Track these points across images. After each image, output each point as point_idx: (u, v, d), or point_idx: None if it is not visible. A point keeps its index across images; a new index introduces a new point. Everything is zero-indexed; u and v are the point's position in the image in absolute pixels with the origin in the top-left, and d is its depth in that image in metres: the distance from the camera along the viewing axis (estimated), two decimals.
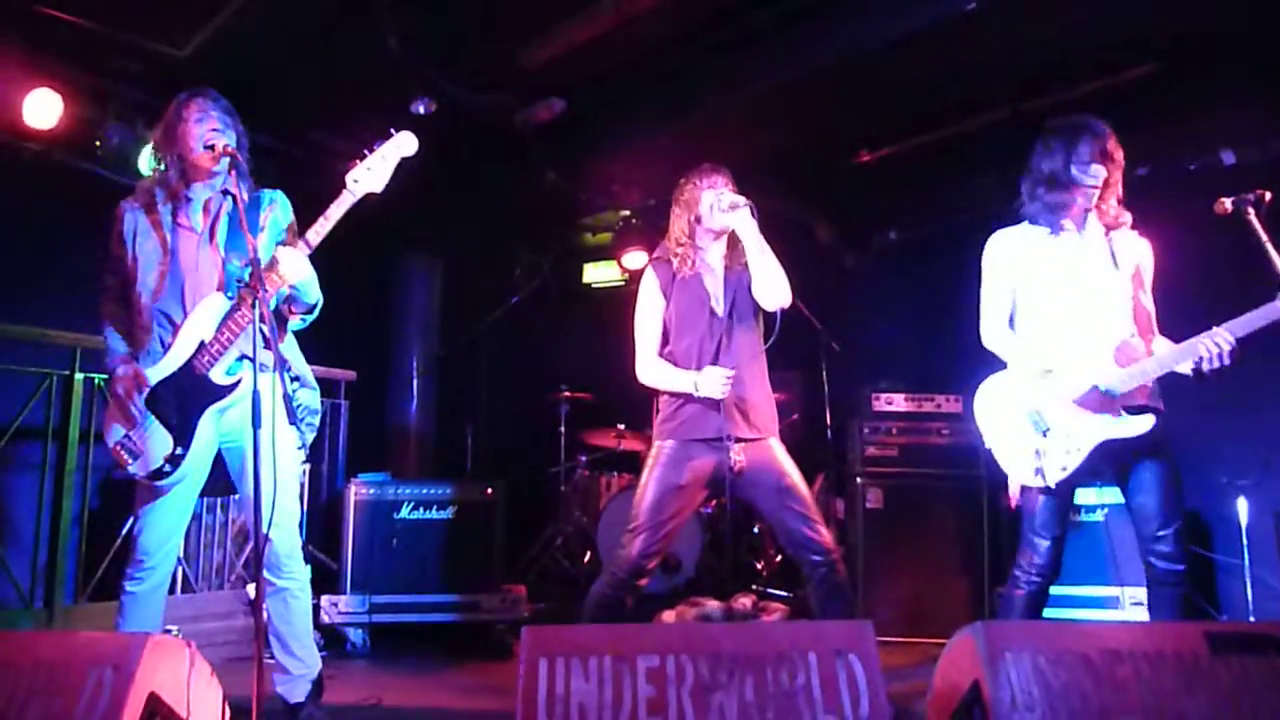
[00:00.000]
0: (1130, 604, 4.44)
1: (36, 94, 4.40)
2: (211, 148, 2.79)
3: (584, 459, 6.39)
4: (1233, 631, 2.23)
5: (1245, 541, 4.30)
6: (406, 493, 4.73)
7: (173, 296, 2.86)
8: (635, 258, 6.82)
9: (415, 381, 6.73)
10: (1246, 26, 4.33)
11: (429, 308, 6.89)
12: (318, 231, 2.82)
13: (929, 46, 4.58)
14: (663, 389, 3.35)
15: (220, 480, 3.04)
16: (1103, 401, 2.91)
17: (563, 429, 6.49)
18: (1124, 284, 3.00)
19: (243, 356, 2.84)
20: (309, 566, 3.07)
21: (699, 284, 3.34)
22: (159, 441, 2.82)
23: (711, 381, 3.19)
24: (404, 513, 4.69)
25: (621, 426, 6.22)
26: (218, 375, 2.82)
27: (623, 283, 7.24)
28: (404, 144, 2.94)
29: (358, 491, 4.68)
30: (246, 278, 2.78)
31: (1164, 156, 4.97)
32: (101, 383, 4.54)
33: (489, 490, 4.83)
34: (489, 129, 5.70)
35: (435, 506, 4.72)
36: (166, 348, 2.85)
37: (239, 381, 2.83)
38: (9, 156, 4.49)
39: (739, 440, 3.22)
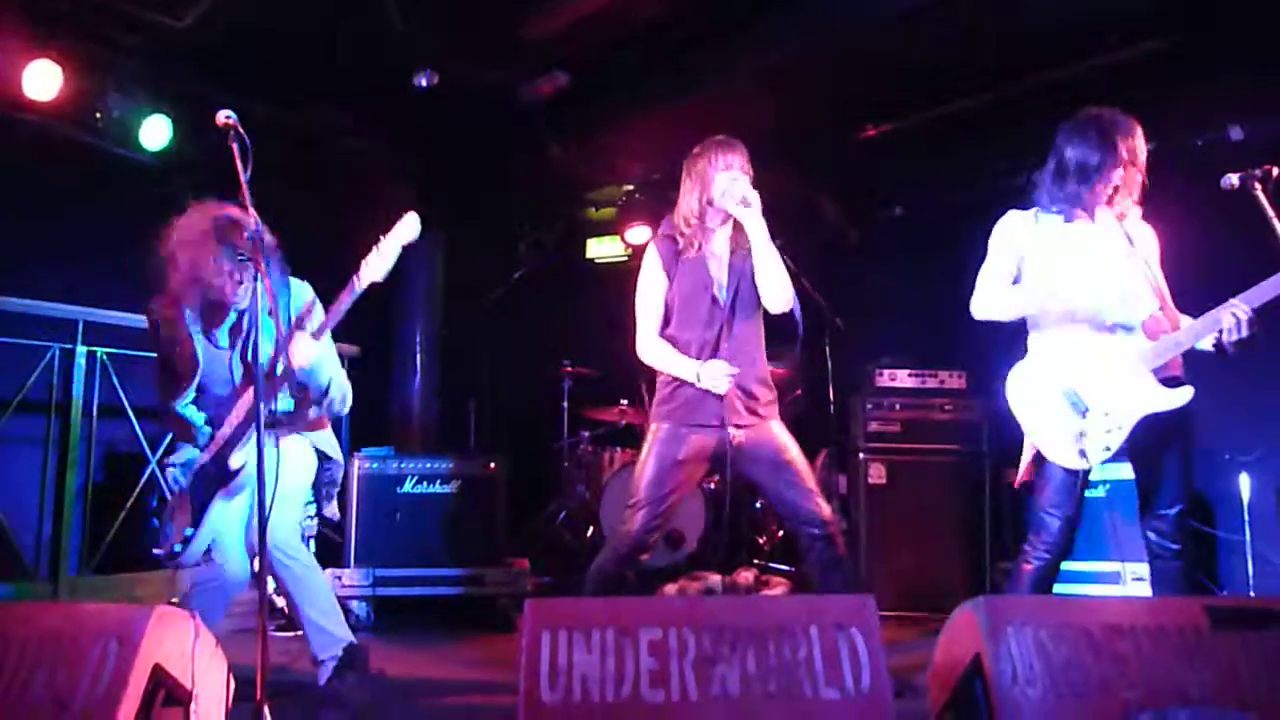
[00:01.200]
0: (1132, 579, 4.45)
1: (36, 65, 4.37)
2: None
3: (587, 434, 6.39)
4: (1233, 606, 2.24)
5: (1247, 518, 4.30)
6: (410, 467, 4.74)
7: (215, 396, 3.05)
8: (639, 233, 6.80)
9: (419, 356, 6.72)
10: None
11: (432, 283, 6.87)
12: (329, 322, 2.96)
13: (934, 20, 4.53)
14: (662, 371, 3.32)
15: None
16: (1138, 375, 2.89)
17: (566, 404, 6.49)
18: (1140, 263, 2.98)
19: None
20: (313, 540, 3.11)
21: (703, 268, 3.27)
22: (184, 520, 3.00)
23: (714, 376, 3.15)
24: (407, 487, 4.70)
25: (625, 402, 6.22)
26: (233, 460, 2.97)
27: (626, 258, 7.21)
28: (407, 229, 3.05)
29: (361, 466, 4.69)
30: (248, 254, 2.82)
31: (1171, 132, 4.93)
32: (104, 356, 4.55)
33: (492, 465, 4.83)
34: (492, 103, 5.66)
35: (438, 481, 4.74)
36: (209, 439, 3.04)
37: (243, 466, 2.99)
38: (9, 129, 4.47)
39: (738, 427, 3.21)
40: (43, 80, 4.40)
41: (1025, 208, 3.13)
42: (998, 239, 3.13)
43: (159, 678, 2.09)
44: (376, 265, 2.97)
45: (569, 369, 6.47)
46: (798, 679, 2.11)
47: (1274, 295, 2.70)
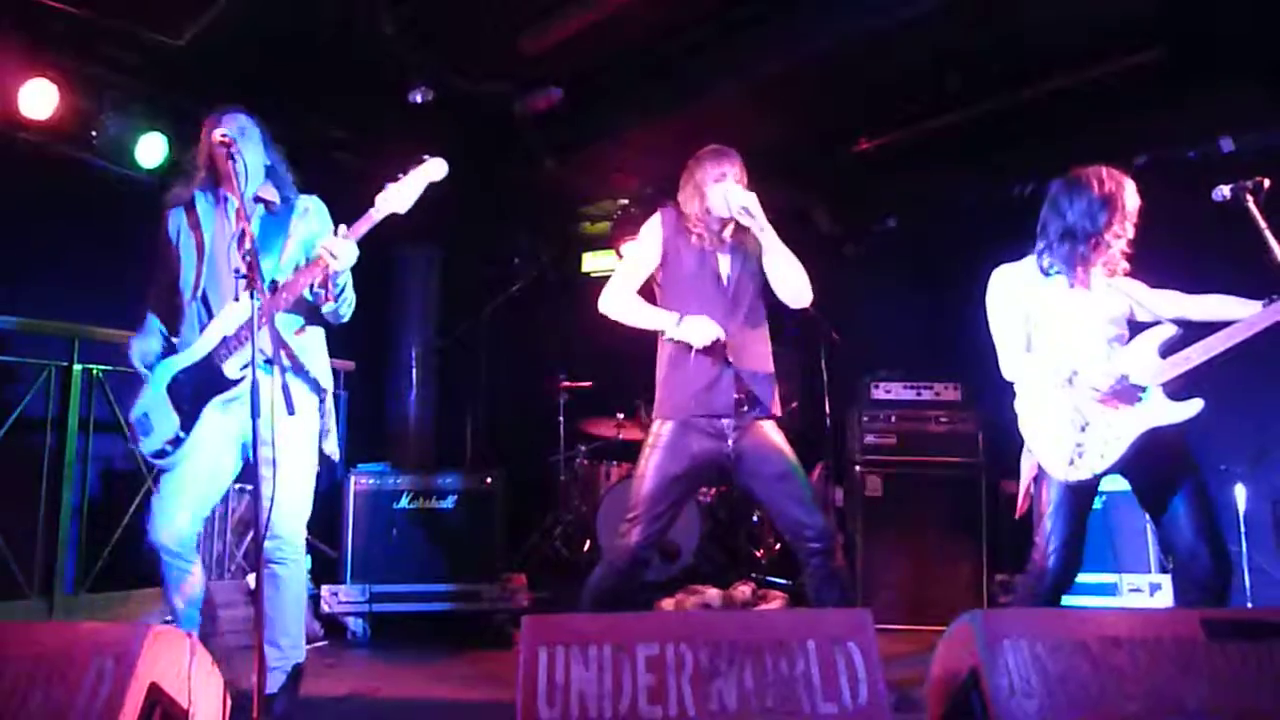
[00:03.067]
0: (1129, 590, 4.45)
1: (32, 84, 4.38)
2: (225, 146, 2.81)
3: (583, 448, 6.40)
4: (1229, 618, 2.24)
5: (1243, 529, 4.31)
6: (406, 483, 4.74)
7: (209, 292, 2.97)
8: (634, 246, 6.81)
9: (414, 371, 6.72)
10: (1248, 12, 4.32)
11: (428, 297, 6.88)
12: (357, 229, 2.92)
13: (929, 33, 4.56)
14: (629, 323, 3.29)
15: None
16: (1136, 393, 2.89)
17: (562, 418, 6.49)
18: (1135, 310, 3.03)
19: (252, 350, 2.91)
20: (309, 557, 3.08)
21: (710, 255, 3.26)
22: (168, 423, 2.93)
23: (696, 326, 3.11)
24: (403, 502, 4.70)
25: (621, 416, 6.23)
26: (230, 369, 2.91)
27: None
28: (434, 170, 3.04)
29: (357, 482, 4.69)
30: (285, 276, 2.92)
31: (1163, 144, 4.96)
32: (100, 373, 4.54)
33: (488, 480, 4.83)
34: (487, 117, 5.68)
35: (435, 496, 4.73)
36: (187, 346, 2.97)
37: (243, 377, 2.89)
38: (5, 147, 4.48)
39: (744, 412, 3.18)
40: (39, 99, 4.41)
41: (1017, 258, 3.13)
42: (996, 300, 3.11)
43: (155, 697, 2.08)
44: (396, 197, 2.96)
45: (565, 383, 6.47)
46: (795, 694, 2.11)
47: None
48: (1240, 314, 2.83)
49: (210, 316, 2.96)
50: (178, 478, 2.92)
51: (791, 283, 3.21)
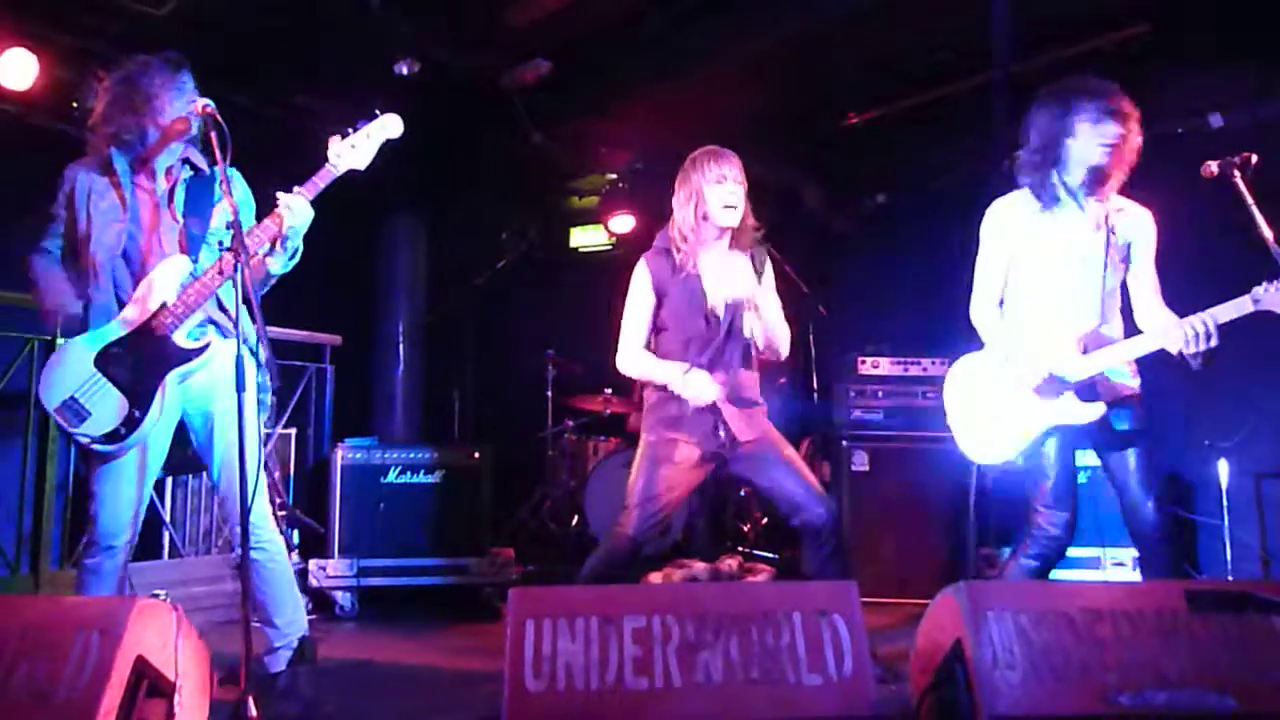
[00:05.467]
0: (1111, 564, 4.50)
1: (11, 54, 4.32)
2: (203, 112, 2.72)
3: (571, 423, 6.40)
4: (1210, 590, 2.27)
5: (1225, 503, 4.34)
6: (393, 457, 4.73)
7: (131, 255, 2.81)
8: (622, 221, 6.78)
9: (401, 346, 6.70)
10: None
11: (415, 272, 6.84)
12: (314, 185, 2.83)
13: (917, 7, 4.54)
14: (647, 380, 3.28)
15: (183, 456, 2.95)
16: (1058, 387, 2.91)
17: (550, 393, 6.48)
18: (1114, 268, 2.97)
19: (208, 320, 2.84)
20: (295, 531, 3.05)
21: (698, 285, 3.22)
22: (110, 403, 2.71)
23: (697, 387, 3.10)
24: (391, 477, 4.69)
25: (609, 391, 6.22)
26: (180, 338, 2.76)
27: (609, 247, 7.20)
28: (390, 125, 2.95)
29: (344, 456, 4.68)
30: (228, 241, 2.77)
31: (1151, 120, 4.95)
32: None
33: (476, 454, 4.83)
34: (474, 91, 5.63)
35: (422, 471, 4.73)
36: (123, 306, 2.78)
37: (205, 346, 2.79)
38: None
39: (732, 439, 3.18)
40: (18, 69, 4.35)
41: (1014, 188, 3.10)
42: (985, 235, 3.10)
43: (142, 669, 2.08)
44: (352, 154, 2.88)
45: (553, 358, 6.47)
46: (780, 665, 2.13)
47: (1229, 319, 2.70)
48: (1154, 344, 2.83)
49: (130, 281, 2.78)
50: (133, 464, 2.76)
51: (776, 340, 3.24)
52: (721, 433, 3.16)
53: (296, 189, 2.82)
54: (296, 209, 2.78)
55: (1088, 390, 2.91)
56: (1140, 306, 3.03)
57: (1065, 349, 2.91)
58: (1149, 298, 3.02)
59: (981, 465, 3.11)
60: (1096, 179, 2.92)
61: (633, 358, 3.28)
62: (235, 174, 2.97)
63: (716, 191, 3.15)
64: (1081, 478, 4.20)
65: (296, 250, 2.92)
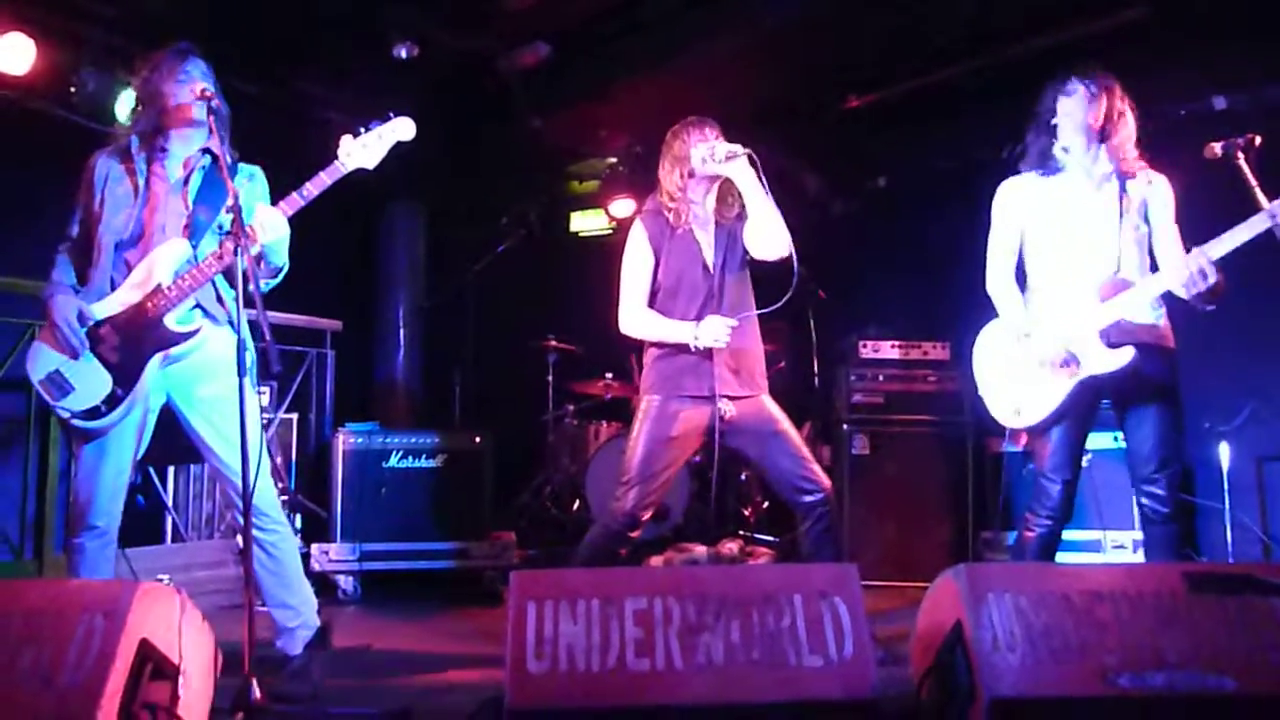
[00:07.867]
0: (1112, 547, 4.50)
1: (8, 38, 4.29)
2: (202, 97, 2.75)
3: (572, 408, 6.39)
4: (1209, 572, 2.27)
5: (1226, 486, 4.35)
6: (395, 442, 4.73)
7: (135, 239, 2.83)
8: (622, 206, 6.76)
9: (402, 331, 6.70)
10: None
11: (415, 256, 6.83)
12: (302, 195, 2.83)
13: None
14: (651, 340, 3.30)
15: (179, 446, 2.93)
16: (1084, 339, 2.94)
17: (551, 378, 6.48)
18: (1129, 219, 2.99)
19: (198, 306, 2.85)
20: (297, 515, 3.06)
21: (691, 239, 3.28)
22: (95, 379, 2.73)
23: (713, 330, 3.14)
24: (393, 461, 4.70)
25: (609, 375, 6.22)
26: (171, 322, 2.77)
27: (610, 231, 7.18)
28: (401, 129, 2.96)
29: (346, 441, 4.68)
30: (227, 225, 2.78)
31: (1154, 101, 4.92)
32: None
33: (477, 439, 4.84)
34: (473, 74, 5.60)
35: (424, 455, 4.73)
36: (116, 288, 2.80)
37: (194, 331, 2.79)
38: None
39: (730, 398, 3.21)
40: (15, 53, 4.32)
41: (1020, 170, 3.16)
42: (997, 211, 3.18)
43: (146, 652, 2.09)
44: (362, 153, 2.89)
45: (553, 343, 6.46)
46: (781, 647, 2.14)
47: (1233, 248, 2.73)
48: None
49: (128, 265, 2.80)
50: (113, 446, 2.76)
51: (771, 229, 3.14)
52: (725, 379, 3.19)
53: (280, 203, 2.82)
54: (270, 226, 2.76)
55: (1112, 335, 2.92)
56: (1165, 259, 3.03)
57: (1084, 298, 2.94)
58: (1177, 255, 2.98)
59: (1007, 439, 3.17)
60: (1091, 137, 3.01)
61: (637, 317, 3.30)
62: (258, 171, 3.03)
63: (700, 149, 3.20)
64: (1083, 461, 4.21)
65: (279, 270, 2.94)
